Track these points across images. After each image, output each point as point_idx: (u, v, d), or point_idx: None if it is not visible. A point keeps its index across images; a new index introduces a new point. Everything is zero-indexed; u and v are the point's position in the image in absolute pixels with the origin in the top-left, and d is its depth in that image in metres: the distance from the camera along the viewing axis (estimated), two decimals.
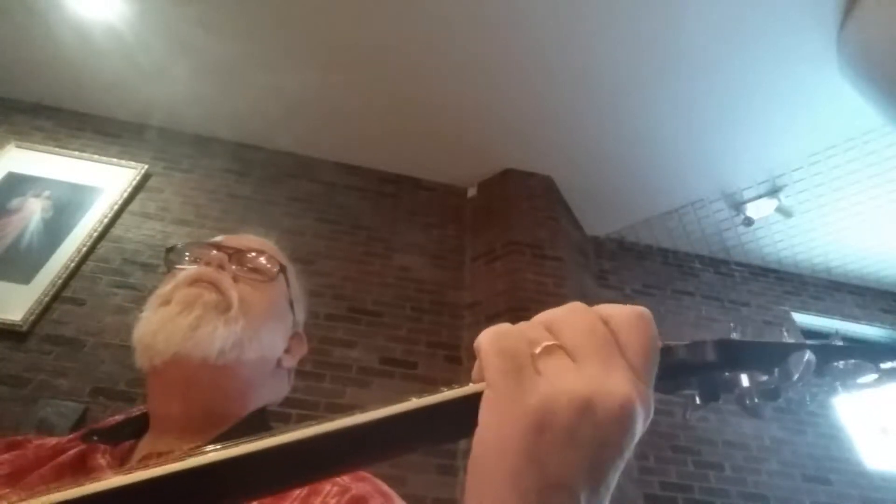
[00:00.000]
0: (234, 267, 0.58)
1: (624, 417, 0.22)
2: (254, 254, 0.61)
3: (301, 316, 0.68)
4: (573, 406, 0.22)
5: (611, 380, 0.22)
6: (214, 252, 0.58)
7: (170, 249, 0.61)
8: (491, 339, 0.25)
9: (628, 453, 0.23)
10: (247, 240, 0.65)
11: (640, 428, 0.23)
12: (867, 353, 0.29)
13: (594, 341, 0.24)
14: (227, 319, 0.53)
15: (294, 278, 0.66)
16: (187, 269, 0.58)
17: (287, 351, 0.63)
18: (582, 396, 0.22)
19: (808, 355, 0.27)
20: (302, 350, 0.66)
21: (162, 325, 0.51)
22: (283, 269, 0.62)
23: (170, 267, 0.60)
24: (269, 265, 0.61)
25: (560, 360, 0.23)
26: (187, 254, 0.61)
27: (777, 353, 0.28)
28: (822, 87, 2.08)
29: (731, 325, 0.30)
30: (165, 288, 0.55)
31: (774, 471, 2.24)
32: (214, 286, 0.55)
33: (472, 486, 0.23)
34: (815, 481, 2.26)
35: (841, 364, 0.29)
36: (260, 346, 0.56)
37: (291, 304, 0.64)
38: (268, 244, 0.66)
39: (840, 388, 0.29)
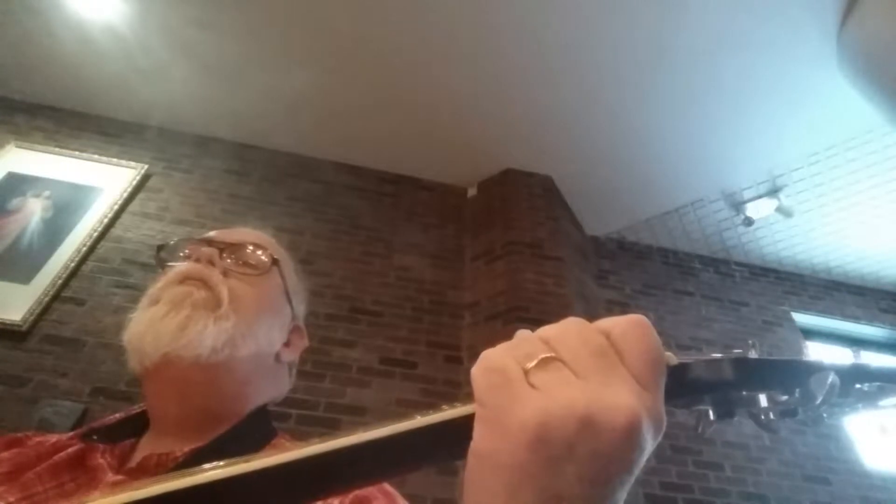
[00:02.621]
0: (226, 261, 0.57)
1: (630, 432, 0.21)
2: (246, 248, 0.60)
3: (300, 308, 0.66)
4: (571, 420, 0.21)
5: (613, 392, 0.22)
6: (205, 248, 0.57)
7: (161, 247, 0.60)
8: (479, 360, 0.24)
9: (637, 468, 0.22)
10: (240, 233, 0.63)
11: (649, 443, 0.22)
12: (893, 376, 0.28)
13: (592, 352, 0.23)
14: (217, 317, 0.52)
15: (290, 270, 0.65)
16: (177, 267, 0.56)
17: (286, 345, 0.61)
18: (581, 409, 0.21)
19: (833, 377, 0.25)
20: (302, 343, 0.65)
21: (150, 326, 0.50)
22: (276, 262, 0.61)
23: (162, 265, 0.59)
24: (262, 258, 0.60)
25: (556, 372, 0.22)
26: (180, 251, 0.60)
27: (798, 373, 0.27)
28: (822, 87, 2.08)
29: (750, 342, 0.29)
30: (155, 287, 0.54)
31: (774, 471, 2.24)
32: (204, 283, 0.54)
33: (468, 497, 0.22)
34: (815, 481, 2.26)
35: (865, 387, 0.28)
36: (255, 341, 0.55)
37: (288, 297, 0.63)
38: (262, 236, 0.65)
39: (862, 409, 0.28)
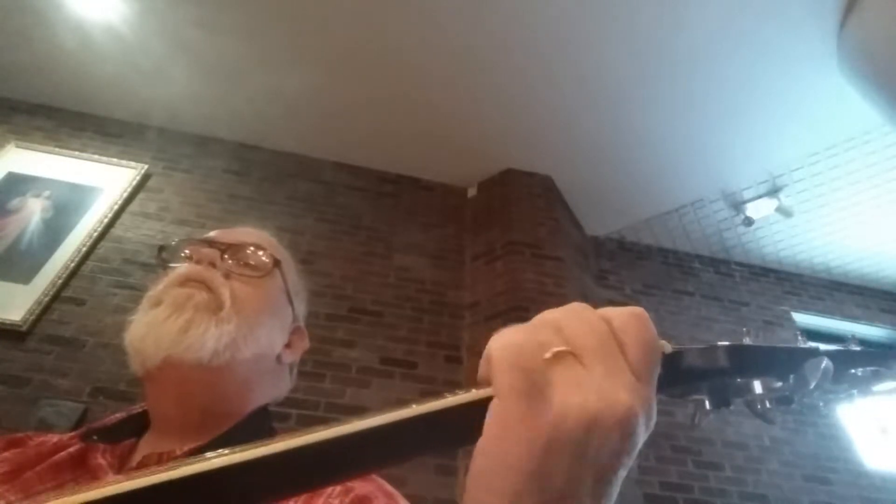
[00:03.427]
0: (228, 262, 0.57)
1: (626, 427, 0.22)
2: (248, 249, 0.59)
3: (301, 309, 0.66)
4: (582, 423, 0.21)
5: (615, 390, 0.22)
6: (206, 249, 0.57)
7: (162, 248, 0.60)
8: (504, 350, 0.23)
9: (631, 461, 0.22)
10: (241, 234, 0.63)
11: (641, 435, 0.22)
12: (886, 361, 0.28)
13: (599, 344, 0.23)
14: (218, 319, 0.52)
15: (291, 270, 0.65)
16: (178, 268, 0.56)
17: (287, 346, 0.61)
18: (590, 412, 0.21)
19: (826, 362, 0.26)
20: (303, 344, 0.65)
21: (151, 329, 0.50)
22: (277, 263, 0.60)
23: (163, 265, 0.58)
24: (263, 259, 0.59)
25: (570, 369, 0.23)
26: (182, 252, 0.60)
27: (792, 359, 0.27)
28: (822, 87, 2.08)
29: (745, 329, 0.29)
30: (157, 288, 0.54)
31: (774, 471, 2.24)
32: (205, 285, 0.54)
33: (471, 498, 0.22)
34: (815, 481, 2.26)
35: (859, 371, 0.28)
36: (256, 343, 0.55)
37: (290, 298, 0.62)
38: (264, 236, 0.65)
39: (857, 395, 0.28)
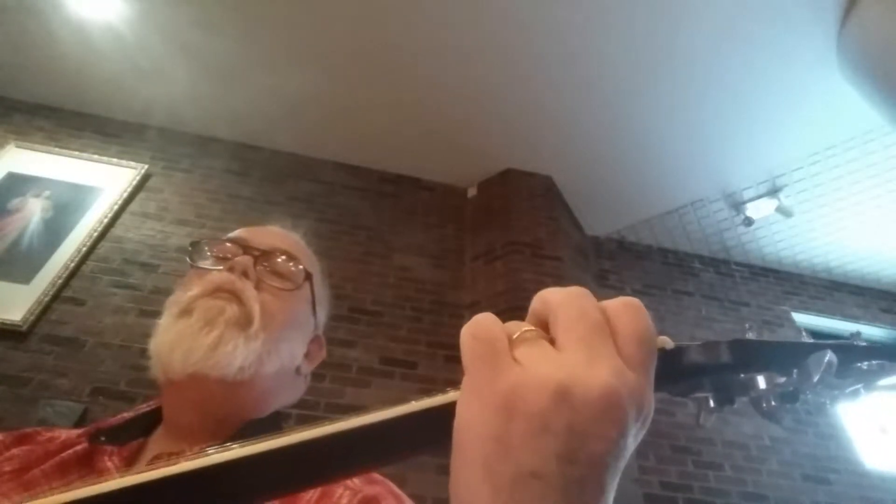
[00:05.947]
0: (258, 268, 0.56)
1: (606, 407, 0.20)
2: (281, 257, 0.59)
3: (323, 318, 0.66)
4: (545, 391, 0.20)
5: (592, 367, 0.21)
6: (240, 256, 0.56)
7: (194, 244, 0.59)
8: (467, 326, 0.24)
9: (623, 451, 0.21)
10: (273, 236, 0.62)
11: (632, 424, 0.21)
12: (891, 354, 0.28)
13: (583, 327, 0.23)
14: (247, 336, 0.52)
15: (319, 280, 0.64)
16: (210, 274, 0.55)
17: (306, 356, 0.62)
18: (555, 381, 0.21)
19: (830, 356, 0.25)
20: (321, 354, 0.65)
21: (180, 340, 0.50)
22: (308, 276, 0.60)
23: (193, 262, 0.57)
24: (294, 270, 0.59)
25: (537, 346, 0.23)
26: (213, 251, 0.59)
27: (795, 354, 0.26)
28: (822, 87, 2.08)
29: (747, 325, 0.29)
30: (188, 293, 0.53)
31: (774, 471, 2.24)
32: (236, 297, 0.53)
33: (451, 474, 0.22)
34: (815, 481, 2.26)
35: (864, 365, 0.27)
36: (279, 358, 0.55)
37: (314, 309, 0.62)
38: (296, 242, 0.65)
39: (863, 391, 0.28)
